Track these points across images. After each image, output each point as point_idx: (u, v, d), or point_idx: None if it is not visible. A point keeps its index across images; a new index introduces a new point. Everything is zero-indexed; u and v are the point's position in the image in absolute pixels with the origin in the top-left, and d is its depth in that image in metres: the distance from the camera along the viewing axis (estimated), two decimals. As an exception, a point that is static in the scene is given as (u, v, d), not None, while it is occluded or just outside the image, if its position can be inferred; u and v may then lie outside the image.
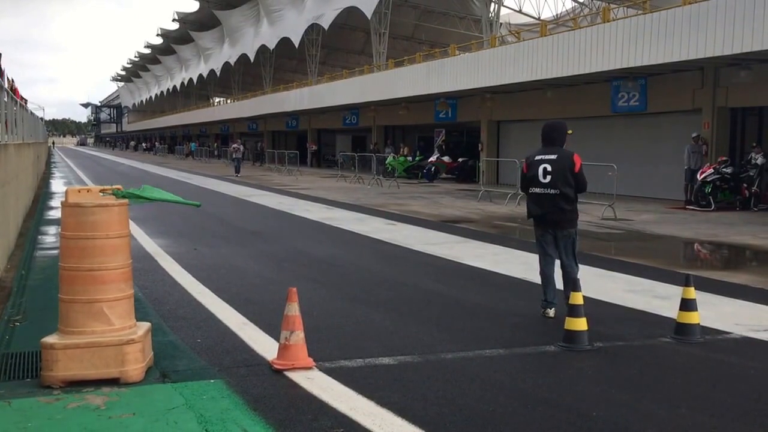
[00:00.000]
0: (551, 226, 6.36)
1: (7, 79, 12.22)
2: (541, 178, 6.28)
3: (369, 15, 32.95)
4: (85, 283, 4.45)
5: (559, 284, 6.43)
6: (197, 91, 71.47)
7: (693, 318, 5.63)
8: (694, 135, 17.81)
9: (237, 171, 33.26)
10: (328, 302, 6.87)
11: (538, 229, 6.45)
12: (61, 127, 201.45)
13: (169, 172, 37.28)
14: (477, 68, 23.52)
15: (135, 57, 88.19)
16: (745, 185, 16.74)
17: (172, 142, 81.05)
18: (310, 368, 4.72)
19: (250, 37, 50.12)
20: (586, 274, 7.21)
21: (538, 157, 6.36)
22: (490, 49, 24.16)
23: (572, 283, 5.75)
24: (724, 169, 16.78)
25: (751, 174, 16.70)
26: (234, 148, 35.29)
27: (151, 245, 10.45)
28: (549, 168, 6.25)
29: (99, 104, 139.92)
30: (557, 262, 6.46)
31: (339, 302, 6.91)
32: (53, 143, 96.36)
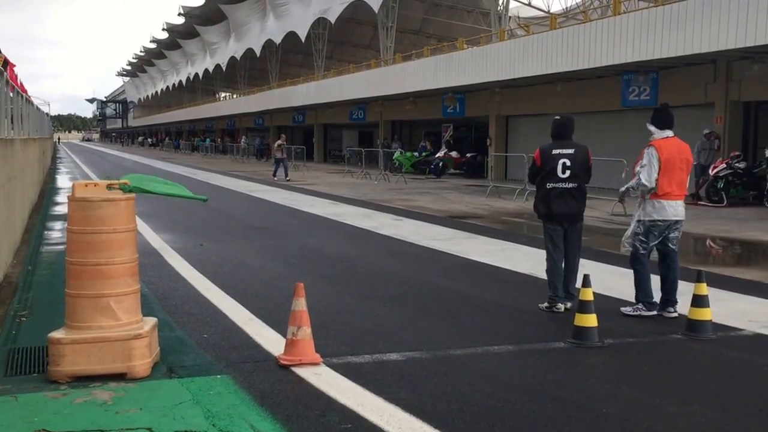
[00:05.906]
0: (567, 220, 6.35)
1: (16, 77, 12.23)
2: (559, 173, 6.27)
3: (376, 9, 32.82)
4: (91, 278, 4.43)
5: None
6: (203, 86, 71.51)
7: (705, 314, 5.56)
8: (706, 131, 17.60)
9: (285, 174, 26.38)
10: (335, 298, 6.83)
11: (551, 224, 6.41)
12: (66, 122, 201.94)
13: (175, 167, 37.31)
14: (485, 62, 23.38)
15: (140, 52, 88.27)
16: None
17: (178, 138, 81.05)
18: (317, 364, 4.69)
19: (256, 31, 50.07)
20: (596, 270, 7.15)
21: (556, 151, 6.32)
22: (498, 42, 24.01)
23: (575, 277, 5.67)
24: (736, 164, 16.60)
25: None
26: (278, 145, 27.93)
27: (157, 241, 10.44)
28: (568, 163, 6.26)
29: (104, 99, 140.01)
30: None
31: (346, 298, 6.88)
32: (59, 139, 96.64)
